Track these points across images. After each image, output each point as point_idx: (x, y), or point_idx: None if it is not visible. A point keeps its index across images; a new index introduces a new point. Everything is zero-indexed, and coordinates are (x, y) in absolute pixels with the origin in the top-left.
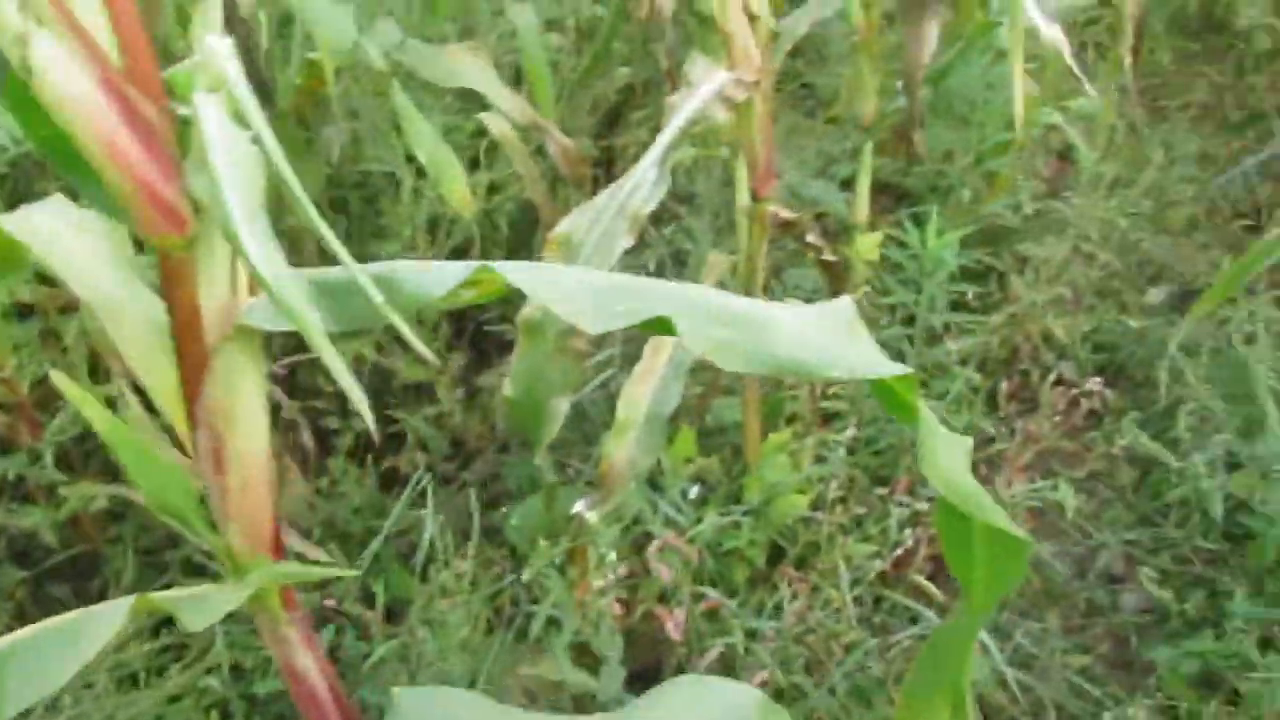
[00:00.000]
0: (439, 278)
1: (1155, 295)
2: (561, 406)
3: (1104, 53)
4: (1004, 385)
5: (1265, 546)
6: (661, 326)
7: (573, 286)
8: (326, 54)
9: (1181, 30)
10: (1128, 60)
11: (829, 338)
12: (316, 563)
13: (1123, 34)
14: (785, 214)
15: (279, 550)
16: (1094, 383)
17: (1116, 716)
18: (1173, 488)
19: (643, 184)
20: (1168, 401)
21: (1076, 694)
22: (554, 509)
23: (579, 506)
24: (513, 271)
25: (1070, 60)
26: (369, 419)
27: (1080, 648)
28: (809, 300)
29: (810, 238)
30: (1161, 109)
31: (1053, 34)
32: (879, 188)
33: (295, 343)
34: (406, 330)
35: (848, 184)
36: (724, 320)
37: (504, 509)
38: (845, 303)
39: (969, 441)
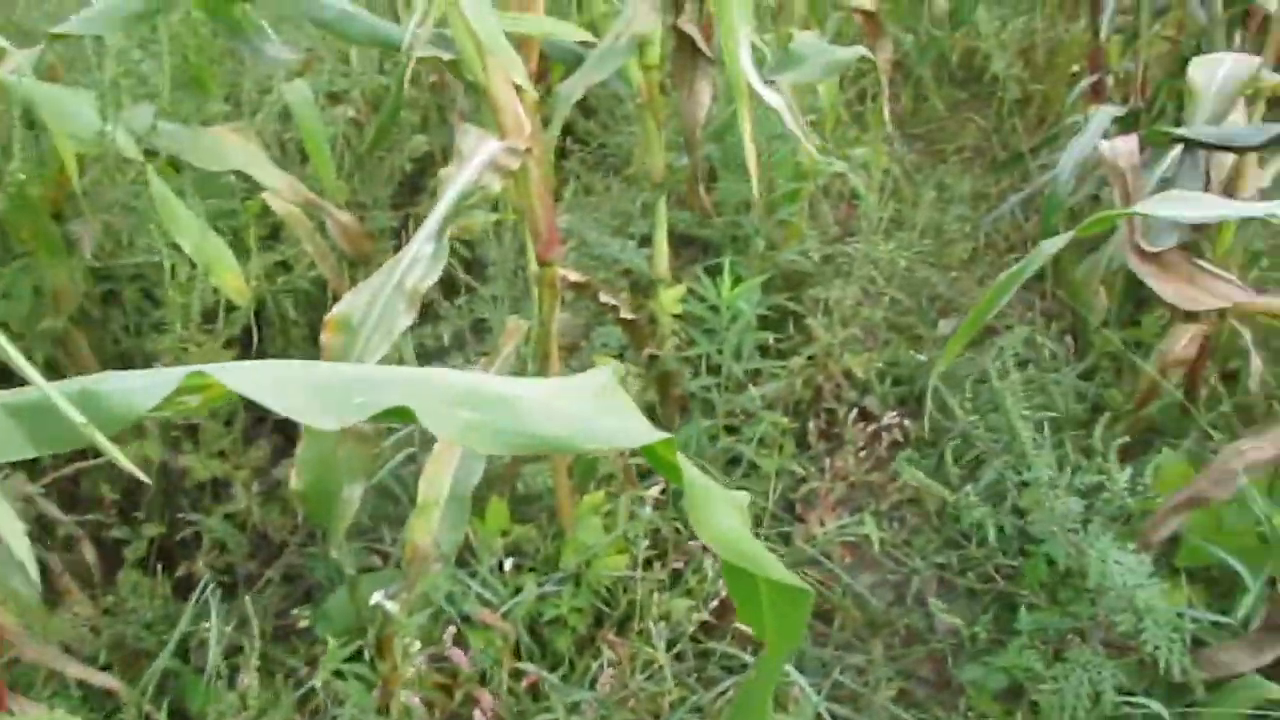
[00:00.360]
0: (148, 389)
1: (945, 327)
2: (354, 494)
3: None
4: (811, 425)
5: (1038, 565)
6: (402, 415)
7: (301, 384)
8: (64, 145)
9: (950, 79)
10: (887, 110)
11: (585, 410)
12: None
13: (881, 87)
14: (575, 276)
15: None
16: (892, 416)
17: None
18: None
19: (420, 259)
20: (954, 433)
21: None
22: (358, 600)
23: (378, 598)
24: (232, 374)
25: (792, 125)
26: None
27: (902, 674)
28: (619, 357)
29: (604, 297)
30: (938, 152)
31: (773, 99)
32: (681, 241)
33: (71, 451)
34: (112, 450)
35: (648, 241)
36: (470, 402)
37: (310, 605)
38: (604, 373)
39: (743, 497)
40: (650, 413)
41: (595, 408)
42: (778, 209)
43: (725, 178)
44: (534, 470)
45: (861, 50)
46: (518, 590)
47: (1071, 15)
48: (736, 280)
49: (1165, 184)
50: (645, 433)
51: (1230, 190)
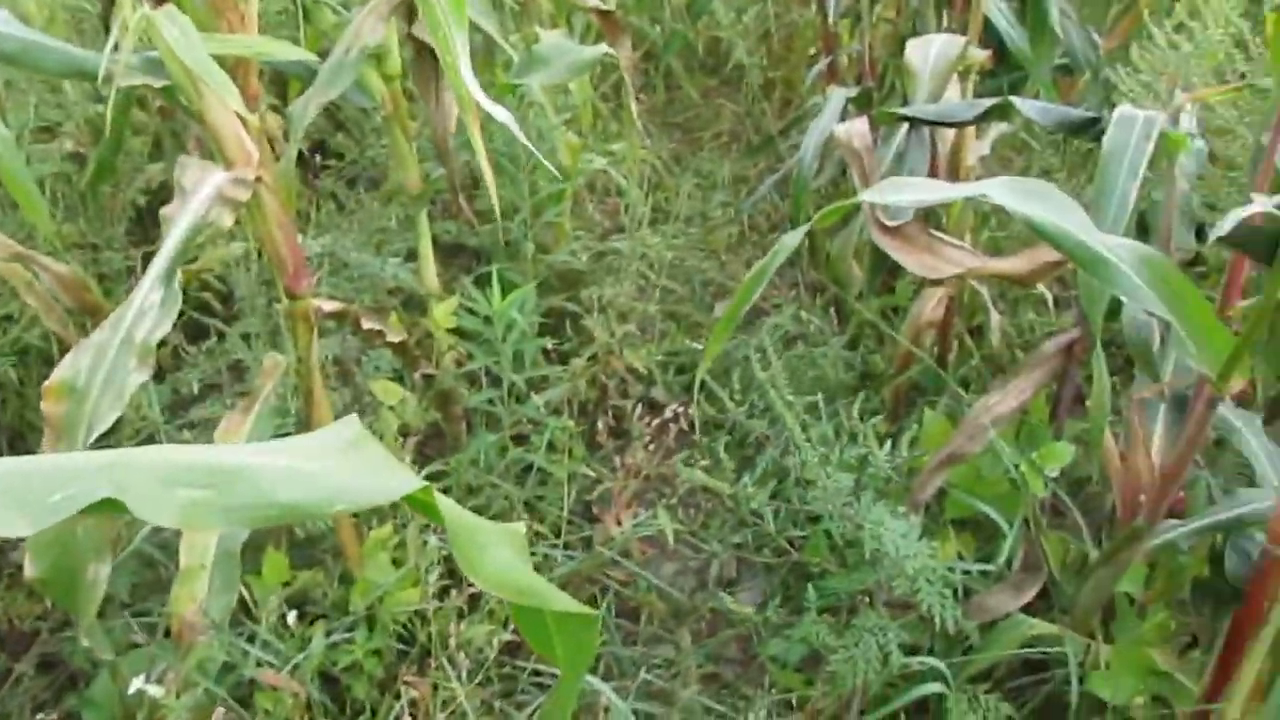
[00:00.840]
0: None
1: (719, 311)
2: (102, 572)
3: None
4: (600, 424)
5: (819, 541)
6: (112, 507)
7: None
8: None
9: (700, 68)
10: (634, 106)
11: (333, 468)
12: None
13: (625, 83)
14: (331, 305)
15: None
16: (675, 407)
17: None
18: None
19: (149, 308)
20: (727, 422)
21: (707, 711)
22: (120, 685)
23: (138, 684)
24: None
25: (522, 138)
26: None
27: (711, 658)
28: (396, 379)
29: (367, 324)
30: (696, 140)
31: (499, 112)
32: (449, 252)
33: None
34: None
35: (414, 255)
36: (192, 479)
37: (75, 694)
38: (349, 423)
39: (519, 528)
40: (435, 432)
41: (344, 464)
42: (544, 211)
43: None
44: None
45: (605, 48)
46: (306, 642)
47: (804, 1)
48: (509, 288)
49: (899, 158)
50: (401, 484)
51: (955, 159)
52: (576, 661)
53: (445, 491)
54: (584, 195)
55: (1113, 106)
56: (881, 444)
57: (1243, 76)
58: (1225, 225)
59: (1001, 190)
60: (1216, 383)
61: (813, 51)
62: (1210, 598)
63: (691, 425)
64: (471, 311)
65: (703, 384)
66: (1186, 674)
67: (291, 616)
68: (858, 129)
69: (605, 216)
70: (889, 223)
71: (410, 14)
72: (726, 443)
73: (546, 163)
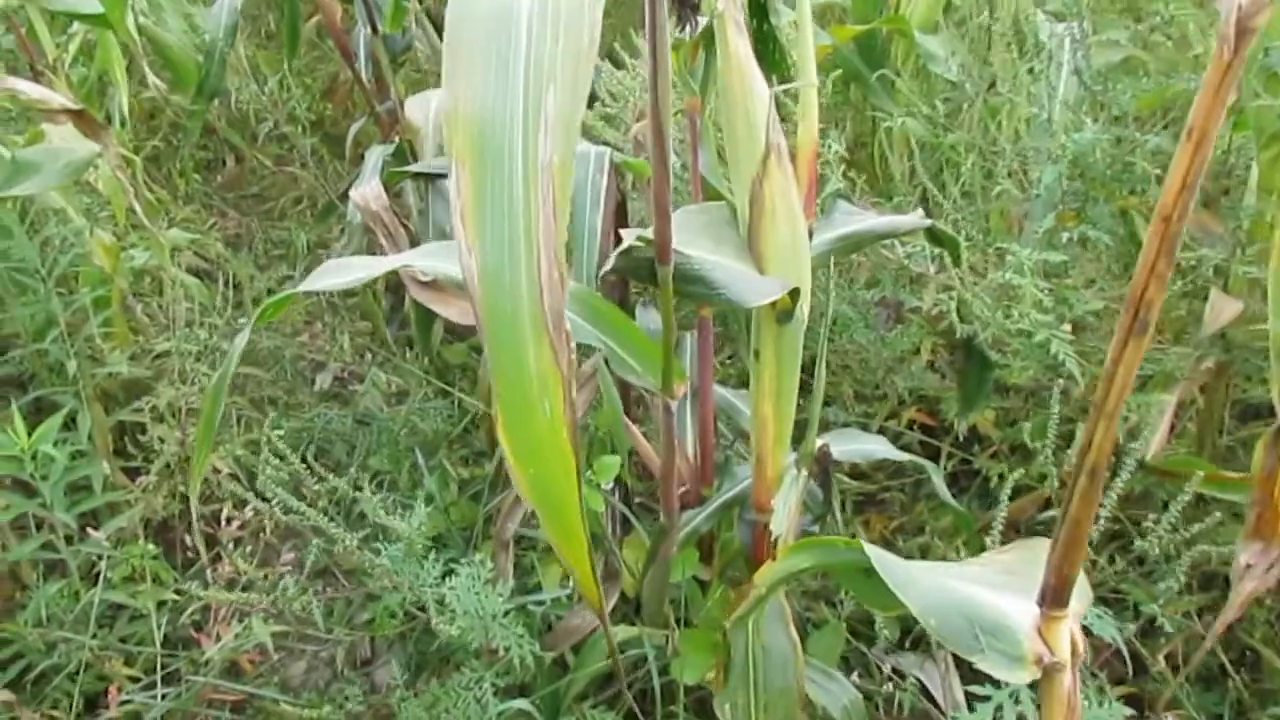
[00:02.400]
0: None
1: (323, 383)
2: None
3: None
4: (188, 538)
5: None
6: None
7: None
8: None
9: (271, 133)
10: (139, 202)
11: None
12: None
13: (121, 183)
14: None
15: None
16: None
17: None
18: None
19: None
20: None
21: None
22: None
23: None
24: None
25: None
26: None
27: None
28: None
29: None
30: (273, 208)
31: None
32: None
33: None
34: None
35: None
36: None
37: None
38: None
39: None
40: None
41: None
42: (85, 323)
43: (9, 307)
44: None
45: (97, 147)
46: None
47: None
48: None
49: (426, 206)
50: None
51: None
52: None
53: (12, 660)
54: (147, 292)
55: None
56: (493, 485)
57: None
58: (610, 262)
59: (430, 259)
60: (662, 392)
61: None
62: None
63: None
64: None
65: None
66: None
67: None
68: (373, 192)
69: (164, 313)
70: (423, 278)
71: None
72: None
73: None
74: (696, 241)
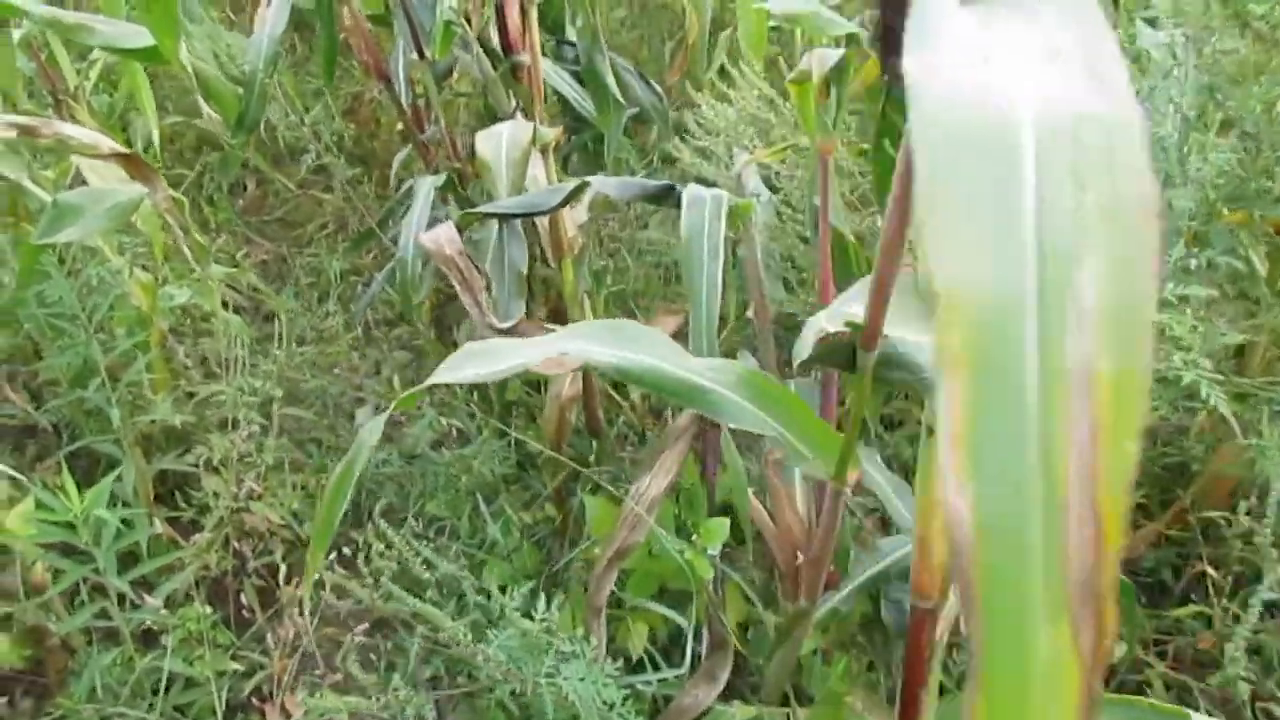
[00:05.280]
0: None
1: (362, 418)
2: None
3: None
4: (244, 597)
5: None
6: None
7: None
8: None
9: (290, 156)
10: (188, 245)
11: None
12: None
13: (172, 226)
14: None
15: None
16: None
17: None
18: None
19: None
20: None
21: None
22: None
23: None
24: None
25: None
26: None
27: None
28: None
29: None
30: (299, 234)
31: None
32: (20, 436)
33: None
34: None
35: None
36: None
37: None
38: None
39: None
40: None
41: None
42: (128, 367)
43: (47, 352)
44: None
45: (144, 189)
46: None
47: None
48: (105, 466)
49: (499, 252)
50: None
51: (556, 234)
52: None
53: None
54: (185, 332)
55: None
56: (554, 529)
57: (784, 136)
58: (803, 350)
59: (582, 341)
60: (835, 479)
61: (401, 127)
62: (879, 633)
63: (346, 564)
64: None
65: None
66: (881, 712)
67: None
68: (446, 236)
69: (205, 354)
70: (500, 325)
71: None
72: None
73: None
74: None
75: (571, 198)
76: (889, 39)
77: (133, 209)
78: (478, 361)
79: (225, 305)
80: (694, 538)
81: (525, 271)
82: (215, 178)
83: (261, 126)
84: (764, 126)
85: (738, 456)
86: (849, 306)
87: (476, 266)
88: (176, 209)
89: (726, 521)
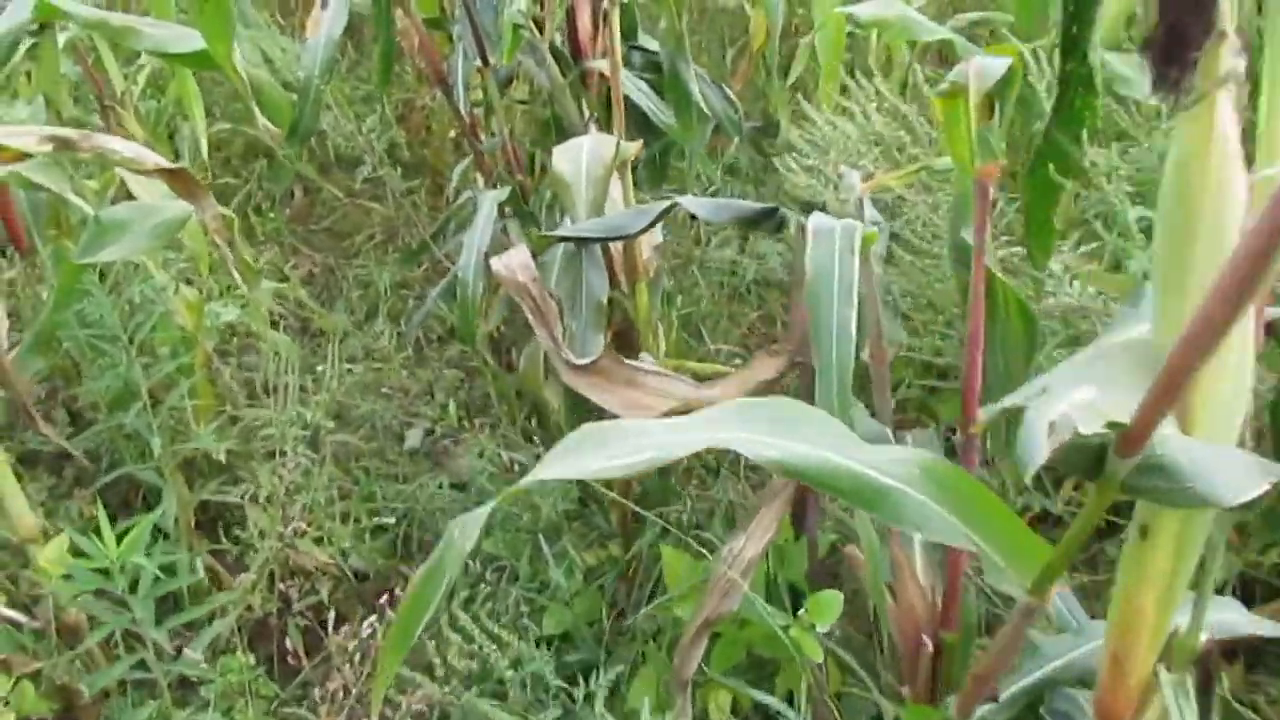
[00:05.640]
0: None
1: (413, 440)
2: None
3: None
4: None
5: None
6: None
7: None
8: None
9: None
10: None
11: None
12: None
13: (223, 249)
14: None
15: None
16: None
17: None
18: None
19: None
20: None
21: None
22: None
23: None
24: None
25: None
26: None
27: None
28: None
29: None
30: (349, 244)
31: None
32: (56, 463)
33: None
34: None
35: None
36: None
37: None
38: None
39: None
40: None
41: None
42: (171, 390)
43: (87, 373)
44: None
45: (190, 206)
46: None
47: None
48: (147, 496)
49: (575, 277)
50: None
51: (630, 258)
52: None
53: None
54: (231, 351)
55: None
56: (622, 574)
57: (914, 158)
58: (1033, 453)
59: (736, 428)
60: (1032, 594)
61: (454, 134)
62: None
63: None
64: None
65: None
66: None
67: None
68: (519, 261)
69: (251, 376)
70: (579, 361)
71: None
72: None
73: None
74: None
75: (660, 219)
76: (1171, 45)
77: (179, 226)
78: (599, 449)
79: (274, 324)
80: (800, 612)
81: (605, 301)
82: (264, 186)
83: (329, 143)
84: (888, 143)
85: (874, 535)
86: (1080, 392)
87: (550, 294)
88: (225, 226)
89: (840, 596)
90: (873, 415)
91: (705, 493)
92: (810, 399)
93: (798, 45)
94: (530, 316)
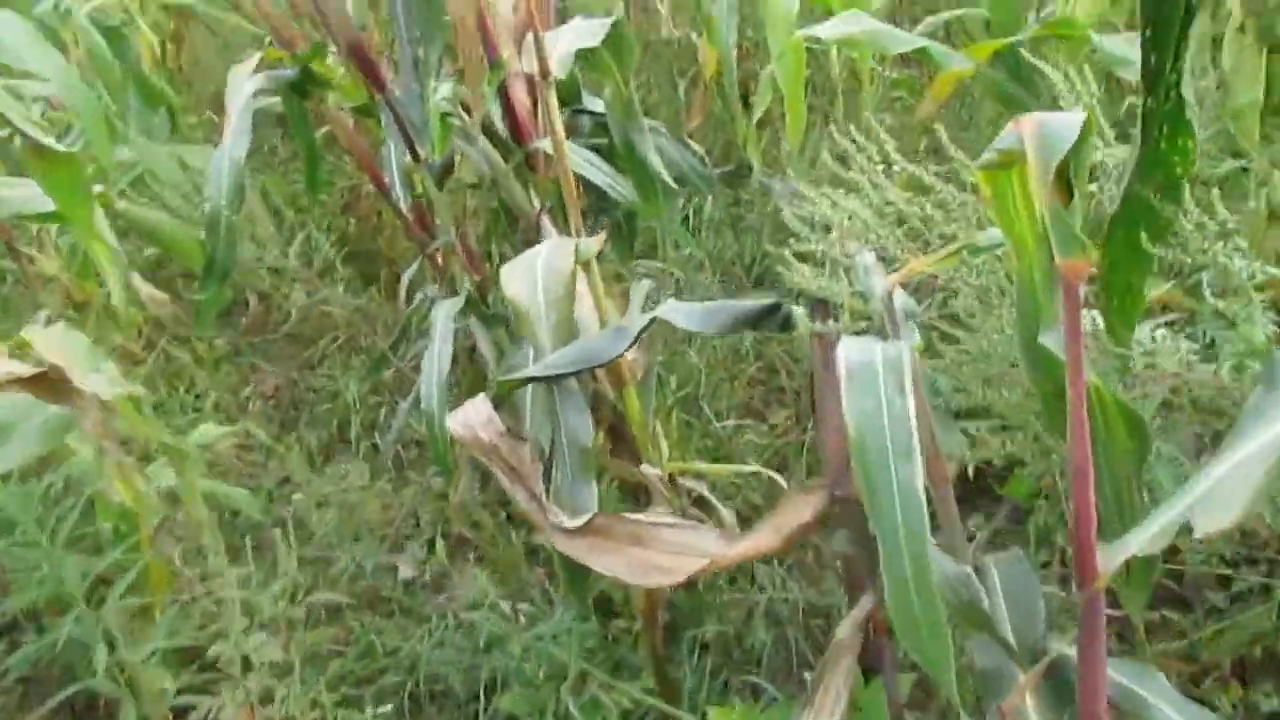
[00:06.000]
0: None
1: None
2: None
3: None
4: None
5: None
6: None
7: None
8: None
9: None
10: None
11: None
12: None
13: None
14: None
15: None
16: None
17: None
18: None
19: None
20: None
21: None
22: None
23: None
24: None
25: None
26: None
27: None
28: None
29: None
30: (309, 356)
31: None
32: None
33: None
34: None
35: None
36: None
37: None
38: None
39: None
40: None
41: None
42: (112, 586)
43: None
44: None
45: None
46: None
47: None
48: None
49: (548, 404)
50: None
51: (615, 372)
52: None
53: None
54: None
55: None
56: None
57: (942, 236)
58: None
59: None
60: None
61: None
62: None
63: None
64: None
65: None
66: None
67: None
68: (479, 418)
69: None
70: (568, 524)
71: None
72: None
73: None
74: None
75: (642, 335)
76: None
77: (65, 428)
78: None
79: (227, 474)
80: None
81: (590, 445)
82: (198, 341)
83: (251, 241)
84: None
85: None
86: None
87: (523, 438)
88: (128, 408)
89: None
90: (947, 550)
91: (735, 595)
92: (861, 535)
93: (756, 72)
94: (504, 481)
